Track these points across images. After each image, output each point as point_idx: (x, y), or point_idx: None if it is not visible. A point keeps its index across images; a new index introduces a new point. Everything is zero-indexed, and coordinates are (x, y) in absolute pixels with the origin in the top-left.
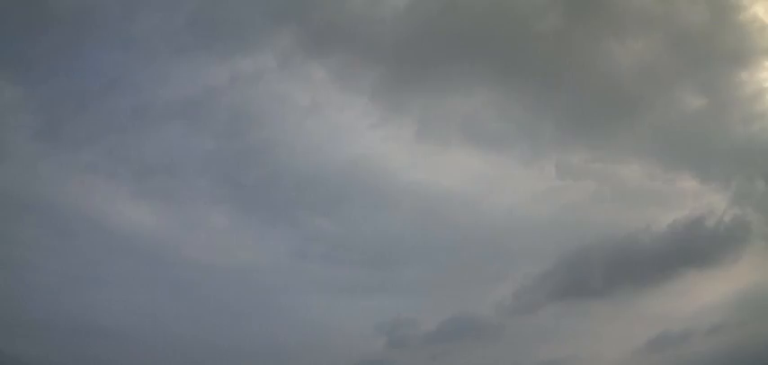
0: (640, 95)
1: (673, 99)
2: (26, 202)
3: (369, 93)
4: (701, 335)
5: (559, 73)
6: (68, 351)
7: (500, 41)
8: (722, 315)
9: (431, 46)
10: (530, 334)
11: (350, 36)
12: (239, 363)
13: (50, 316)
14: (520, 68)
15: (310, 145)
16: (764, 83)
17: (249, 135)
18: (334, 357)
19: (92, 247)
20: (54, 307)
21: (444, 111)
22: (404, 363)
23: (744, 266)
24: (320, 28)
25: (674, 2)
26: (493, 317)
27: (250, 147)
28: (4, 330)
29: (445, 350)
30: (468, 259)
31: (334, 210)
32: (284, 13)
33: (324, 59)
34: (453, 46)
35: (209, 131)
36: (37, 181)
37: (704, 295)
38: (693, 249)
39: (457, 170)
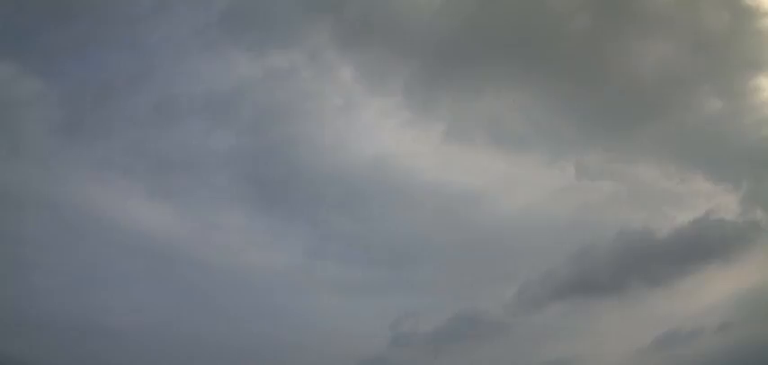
0: (660, 97)
1: (690, 102)
2: (38, 200)
3: (400, 92)
4: (710, 333)
5: (584, 74)
6: (75, 353)
7: (531, 42)
8: (731, 313)
9: (464, 45)
10: (538, 332)
11: (384, 33)
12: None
13: (57, 317)
14: (547, 69)
15: (336, 142)
16: None
17: (273, 131)
18: (346, 354)
19: (103, 246)
20: (61, 308)
21: (473, 112)
22: (413, 361)
23: (753, 265)
24: (355, 24)
25: (697, 7)
26: (502, 315)
27: (273, 144)
28: (13, 331)
29: (453, 348)
30: (482, 257)
31: (355, 209)
32: (319, 7)
33: (356, 56)
34: (486, 45)
35: (232, 128)
36: (50, 177)
37: (714, 293)
38: (704, 248)
39: (478, 170)
